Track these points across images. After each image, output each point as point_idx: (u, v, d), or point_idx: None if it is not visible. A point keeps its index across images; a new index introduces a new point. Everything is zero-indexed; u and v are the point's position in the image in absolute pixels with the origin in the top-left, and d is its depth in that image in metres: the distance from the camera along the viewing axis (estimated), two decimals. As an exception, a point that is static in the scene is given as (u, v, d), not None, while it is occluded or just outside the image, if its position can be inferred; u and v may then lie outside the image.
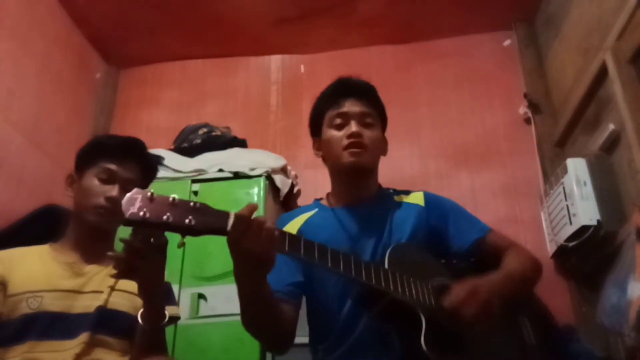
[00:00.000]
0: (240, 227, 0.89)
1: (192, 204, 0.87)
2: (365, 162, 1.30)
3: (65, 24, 2.80)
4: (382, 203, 1.35)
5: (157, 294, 1.11)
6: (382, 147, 1.39)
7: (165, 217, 0.83)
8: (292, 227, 1.31)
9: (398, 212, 1.32)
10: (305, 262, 1.17)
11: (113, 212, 1.27)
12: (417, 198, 1.37)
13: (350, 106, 1.34)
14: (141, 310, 1.11)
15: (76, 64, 2.88)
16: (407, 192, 1.40)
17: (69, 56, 2.80)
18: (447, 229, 1.32)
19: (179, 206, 0.85)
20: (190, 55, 3.20)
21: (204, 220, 0.86)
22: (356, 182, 1.35)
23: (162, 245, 1.03)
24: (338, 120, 1.33)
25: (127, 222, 0.82)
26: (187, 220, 0.84)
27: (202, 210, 0.87)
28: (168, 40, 3.07)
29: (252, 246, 0.90)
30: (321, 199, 1.43)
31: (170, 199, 0.85)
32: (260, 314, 1.08)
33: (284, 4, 2.82)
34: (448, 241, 1.31)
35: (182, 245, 0.87)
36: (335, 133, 1.33)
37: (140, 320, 1.10)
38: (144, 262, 1.01)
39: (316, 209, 1.37)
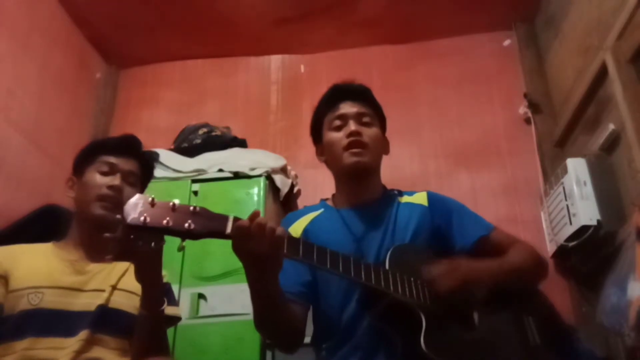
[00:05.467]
0: (240, 234, 0.91)
1: (191, 208, 0.89)
2: (367, 161, 1.31)
3: (65, 24, 2.79)
4: (387, 204, 1.35)
5: (154, 277, 1.10)
6: (382, 146, 1.41)
7: (165, 222, 0.86)
8: (298, 226, 1.32)
9: (402, 213, 1.32)
10: (305, 264, 1.18)
11: (117, 200, 1.28)
12: (420, 198, 1.38)
13: (347, 108, 1.37)
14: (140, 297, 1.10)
15: (76, 64, 2.88)
16: (411, 193, 1.41)
17: (69, 56, 2.80)
18: (451, 227, 1.32)
19: (179, 211, 0.88)
20: (190, 55, 3.19)
21: (203, 224, 0.89)
22: (359, 182, 1.36)
23: None
24: (337, 122, 1.36)
25: (129, 226, 0.85)
26: (186, 225, 0.87)
27: (202, 214, 0.90)
28: (168, 40, 3.07)
29: (256, 248, 0.92)
30: (327, 199, 1.44)
31: (171, 204, 0.88)
32: (272, 315, 1.10)
33: (284, 4, 2.82)
34: (452, 240, 1.31)
35: (182, 248, 0.90)
36: (335, 134, 1.35)
37: (140, 308, 1.09)
38: (141, 243, 0.99)
39: (322, 209, 1.38)
